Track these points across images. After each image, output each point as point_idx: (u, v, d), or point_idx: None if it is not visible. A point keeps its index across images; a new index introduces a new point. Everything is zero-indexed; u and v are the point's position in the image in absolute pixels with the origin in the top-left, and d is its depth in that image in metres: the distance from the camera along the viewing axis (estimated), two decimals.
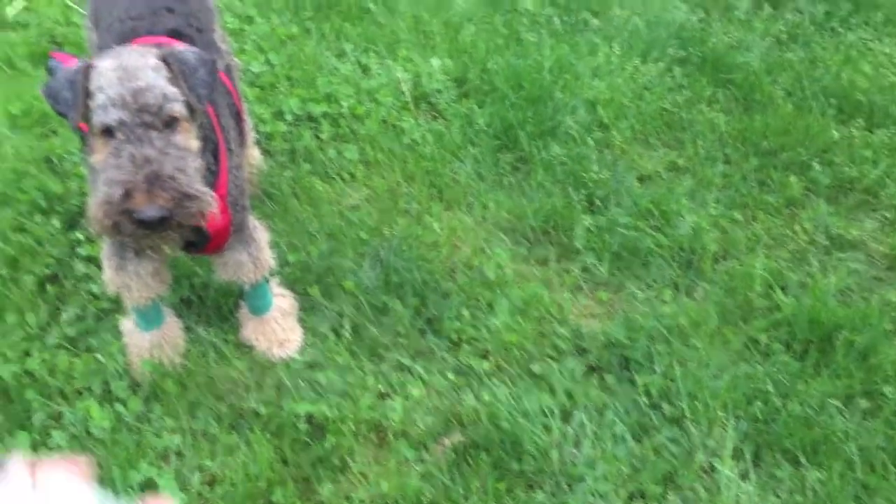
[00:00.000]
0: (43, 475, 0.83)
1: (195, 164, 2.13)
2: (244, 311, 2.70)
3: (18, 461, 0.87)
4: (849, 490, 2.37)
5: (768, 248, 3.28)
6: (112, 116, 2.02)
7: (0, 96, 3.71)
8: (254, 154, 3.27)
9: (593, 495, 2.33)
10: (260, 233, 2.62)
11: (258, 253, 2.58)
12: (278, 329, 2.66)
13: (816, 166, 3.66)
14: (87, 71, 2.09)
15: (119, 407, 2.40)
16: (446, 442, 2.44)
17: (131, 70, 2.07)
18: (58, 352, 2.59)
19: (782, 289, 3.05)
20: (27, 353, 2.59)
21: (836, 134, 3.88)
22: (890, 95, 4.21)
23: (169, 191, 2.01)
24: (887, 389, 2.64)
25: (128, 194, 1.98)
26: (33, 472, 0.85)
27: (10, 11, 4.27)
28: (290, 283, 2.88)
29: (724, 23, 4.91)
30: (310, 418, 2.42)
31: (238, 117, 2.72)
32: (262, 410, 2.42)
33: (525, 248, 3.23)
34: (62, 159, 3.26)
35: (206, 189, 2.12)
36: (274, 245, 2.94)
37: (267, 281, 2.68)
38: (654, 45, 4.54)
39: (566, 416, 2.55)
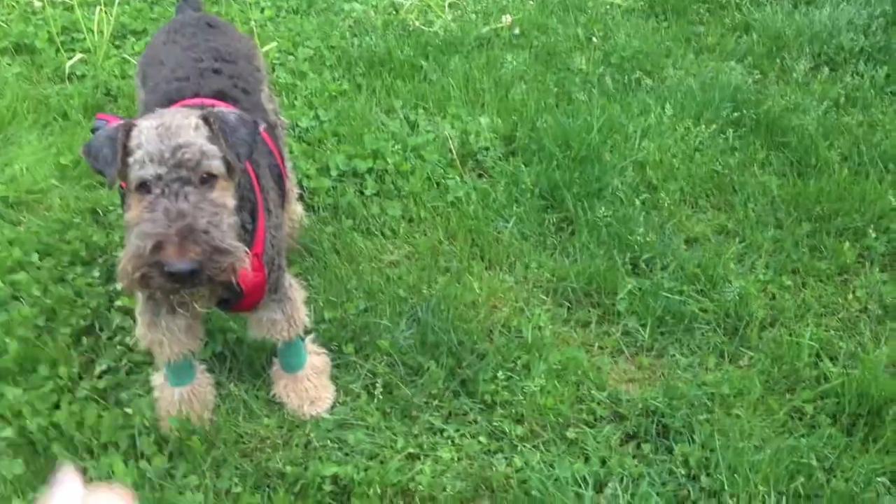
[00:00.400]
0: (93, 496, 0.86)
1: (230, 221, 2.14)
2: (277, 368, 2.69)
3: (72, 475, 0.89)
4: None
5: (818, 316, 3.17)
6: (149, 171, 2.05)
7: (52, 147, 3.82)
8: (296, 210, 3.30)
9: None
10: (296, 291, 2.62)
11: (293, 312, 2.58)
12: (310, 387, 2.65)
13: (871, 233, 3.55)
14: (127, 129, 2.14)
15: (143, 463, 2.40)
16: None
17: (172, 128, 2.11)
18: (87, 404, 2.61)
19: (831, 359, 2.94)
20: (56, 406, 2.61)
21: (893, 200, 3.76)
22: None
23: (201, 244, 2.01)
24: None
25: (159, 246, 1.99)
26: (84, 491, 0.87)
27: (68, 63, 4.43)
28: (326, 340, 2.87)
29: (780, 85, 4.84)
30: (336, 480, 2.39)
31: (279, 176, 2.75)
32: (288, 470, 2.39)
33: (566, 310, 3.18)
34: (108, 211, 3.33)
35: (238, 245, 2.13)
36: (311, 301, 2.95)
37: (301, 339, 2.67)
38: (708, 106, 4.49)
39: (599, 485, 2.47)
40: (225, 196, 2.17)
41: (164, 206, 2.03)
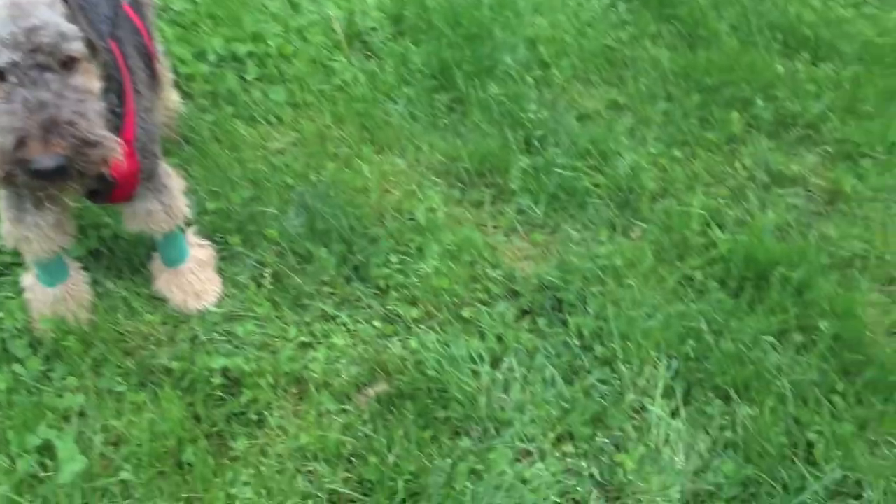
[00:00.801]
0: None
1: (96, 108, 1.98)
2: (157, 263, 2.56)
3: None
4: (780, 425, 2.33)
5: (707, 185, 3.20)
6: (2, 58, 1.86)
7: None
8: (171, 97, 3.11)
9: (521, 439, 2.26)
10: (173, 180, 2.48)
11: (170, 201, 2.44)
12: (195, 280, 2.54)
13: (759, 102, 3.58)
14: None
15: (17, 367, 2.27)
16: (370, 392, 2.35)
17: (23, 6, 1.91)
18: None
19: (720, 226, 2.98)
20: None
21: (780, 69, 3.80)
22: (837, 29, 4.14)
23: (67, 138, 1.86)
24: (822, 324, 2.60)
25: (21, 143, 1.83)
26: None
27: None
28: (210, 232, 2.75)
29: None
30: (225, 372, 2.32)
31: (149, 57, 2.56)
32: (174, 366, 2.31)
33: (459, 191, 3.13)
34: None
35: (108, 134, 1.98)
36: (192, 192, 2.81)
37: (182, 230, 2.55)
38: None
39: (496, 362, 2.47)
40: (89, 80, 2.00)
41: (22, 96, 1.85)
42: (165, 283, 2.55)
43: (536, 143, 3.32)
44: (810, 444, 2.31)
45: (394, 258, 2.74)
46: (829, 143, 3.44)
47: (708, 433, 2.33)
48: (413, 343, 2.49)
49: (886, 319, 2.71)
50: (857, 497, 2.22)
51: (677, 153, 3.33)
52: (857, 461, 2.27)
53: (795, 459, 2.26)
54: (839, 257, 2.92)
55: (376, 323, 2.56)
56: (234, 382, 2.32)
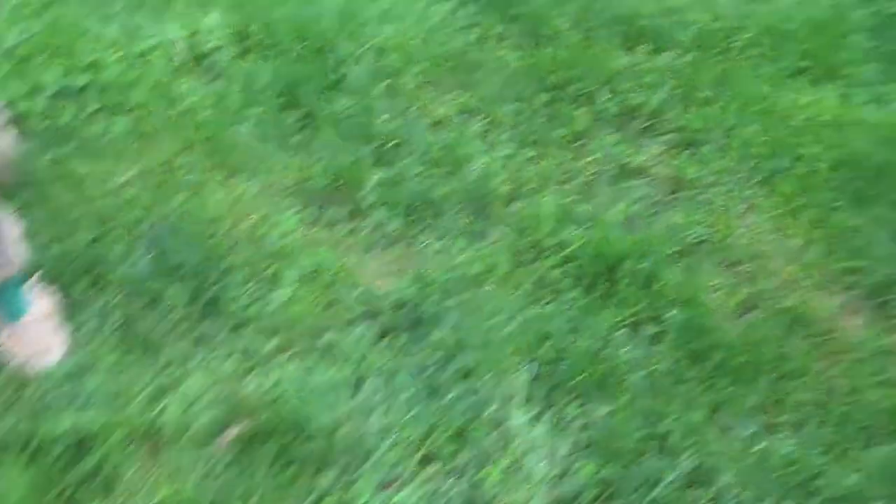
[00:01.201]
0: None
1: None
2: None
3: None
4: (635, 420, 2.41)
5: (559, 183, 3.27)
6: None
7: None
8: (3, 137, 2.96)
9: (385, 466, 2.27)
10: (5, 226, 2.37)
11: (4, 249, 2.33)
12: (37, 334, 2.44)
13: (604, 95, 3.67)
14: None
15: None
16: (230, 434, 2.31)
17: None
18: None
19: (573, 224, 3.04)
20: None
21: (622, 61, 3.90)
22: (676, 17, 4.26)
23: None
24: (671, 313, 2.69)
25: None
26: None
27: None
28: (52, 280, 2.64)
29: None
30: (75, 432, 2.24)
31: None
32: (18, 431, 2.21)
33: (315, 211, 3.10)
34: None
35: None
36: (31, 237, 2.70)
37: (21, 281, 2.44)
38: None
39: (357, 387, 2.46)
40: None
41: None
42: (6, 340, 2.44)
43: (389, 154, 3.32)
44: (665, 436, 2.40)
45: (249, 288, 2.70)
46: (671, 131, 3.56)
47: (568, 436, 2.39)
48: (272, 377, 2.46)
49: (731, 301, 2.84)
50: (712, 483, 2.31)
51: (529, 153, 3.39)
52: (711, 447, 2.37)
53: (650, 453, 2.34)
54: (686, 244, 3.03)
55: (233, 359, 2.52)
56: (84, 443, 2.24)
